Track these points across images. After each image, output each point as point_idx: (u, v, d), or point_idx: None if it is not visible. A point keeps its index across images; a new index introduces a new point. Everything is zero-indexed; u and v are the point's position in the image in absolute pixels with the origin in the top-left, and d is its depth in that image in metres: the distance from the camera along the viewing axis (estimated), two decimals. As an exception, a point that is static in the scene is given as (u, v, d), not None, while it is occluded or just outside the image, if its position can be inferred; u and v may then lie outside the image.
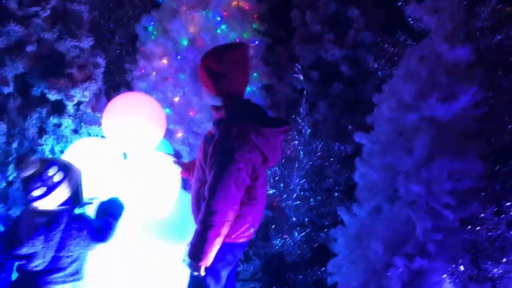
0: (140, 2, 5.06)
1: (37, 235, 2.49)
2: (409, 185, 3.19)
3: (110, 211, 2.83)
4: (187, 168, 3.11)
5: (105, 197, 2.98)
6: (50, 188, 2.55)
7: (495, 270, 3.09)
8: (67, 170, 2.65)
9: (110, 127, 3.19)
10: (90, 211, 2.92)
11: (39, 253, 2.51)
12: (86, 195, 2.83)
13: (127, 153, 3.34)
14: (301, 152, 3.87)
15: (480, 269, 3.20)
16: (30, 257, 2.50)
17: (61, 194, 2.61)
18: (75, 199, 2.69)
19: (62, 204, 2.61)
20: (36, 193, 2.52)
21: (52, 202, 2.58)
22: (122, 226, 2.95)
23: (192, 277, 2.83)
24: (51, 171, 2.56)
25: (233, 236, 2.75)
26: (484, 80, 3.32)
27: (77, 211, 2.77)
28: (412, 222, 3.28)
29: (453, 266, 3.17)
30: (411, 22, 4.08)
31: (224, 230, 2.60)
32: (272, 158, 2.69)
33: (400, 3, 3.96)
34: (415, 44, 4.21)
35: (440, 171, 3.11)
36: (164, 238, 3.39)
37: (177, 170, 3.20)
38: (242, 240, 2.82)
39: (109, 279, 3.16)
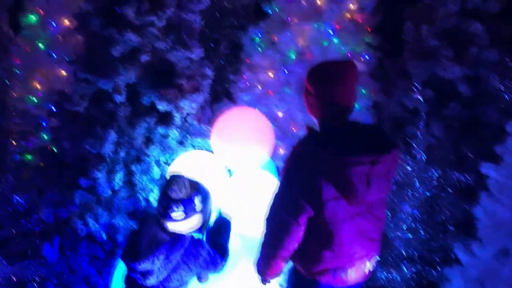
0: (244, 11, 4.97)
1: (159, 253, 2.41)
2: (550, 230, 2.79)
3: (222, 233, 2.74)
4: None
5: (211, 219, 2.87)
6: (188, 216, 2.50)
7: None
8: (207, 200, 2.61)
9: (219, 143, 3.09)
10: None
11: (155, 271, 2.44)
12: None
13: (233, 170, 3.22)
14: (415, 179, 3.52)
15: None
16: (146, 273, 2.42)
17: (194, 222, 2.55)
18: (204, 226, 2.63)
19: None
20: (174, 215, 2.47)
21: (183, 227, 2.52)
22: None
23: None
24: (196, 200, 2.52)
25: (310, 272, 2.45)
26: None
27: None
28: (550, 272, 2.87)
29: None
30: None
31: (280, 254, 2.39)
32: (351, 191, 2.19)
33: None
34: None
35: None
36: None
37: None
38: (328, 282, 2.46)
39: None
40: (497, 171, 3.17)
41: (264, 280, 2.60)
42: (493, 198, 3.17)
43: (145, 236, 2.47)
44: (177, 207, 2.45)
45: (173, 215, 2.45)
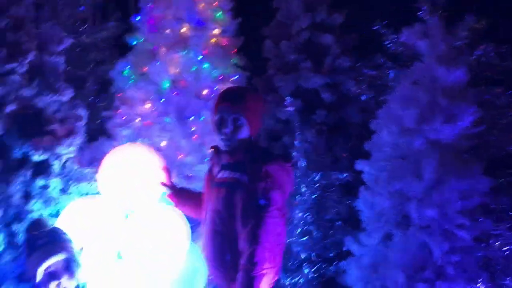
0: (106, 45, 4.86)
1: None
2: (422, 210, 3.18)
3: None
4: (178, 195, 2.90)
5: None
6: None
7: (515, 284, 3.11)
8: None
9: (108, 184, 2.97)
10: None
11: None
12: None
13: (129, 211, 3.11)
14: (301, 185, 3.77)
15: (498, 285, 3.22)
16: None
17: None
18: None
19: None
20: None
21: None
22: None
23: None
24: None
25: None
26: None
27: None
28: (427, 247, 3.27)
29: (473, 285, 3.17)
30: (389, 45, 4.17)
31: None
32: None
33: (376, 27, 4.04)
34: (392, 65, 4.29)
35: (451, 192, 3.13)
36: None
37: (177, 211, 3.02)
38: None
39: None
40: (369, 165, 3.54)
41: None
42: (370, 190, 3.52)
43: None
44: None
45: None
